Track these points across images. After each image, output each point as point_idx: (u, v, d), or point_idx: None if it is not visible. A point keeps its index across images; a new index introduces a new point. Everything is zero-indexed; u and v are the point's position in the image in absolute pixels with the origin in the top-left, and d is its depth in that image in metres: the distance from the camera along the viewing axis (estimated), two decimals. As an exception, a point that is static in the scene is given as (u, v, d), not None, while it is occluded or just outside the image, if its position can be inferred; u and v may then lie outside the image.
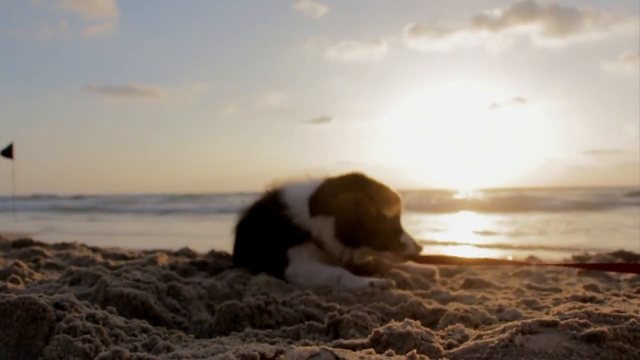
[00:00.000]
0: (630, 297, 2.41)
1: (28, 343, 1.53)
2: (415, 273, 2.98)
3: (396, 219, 3.00)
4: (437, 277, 3.02)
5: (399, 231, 2.98)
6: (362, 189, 2.89)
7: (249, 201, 3.40)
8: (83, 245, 4.48)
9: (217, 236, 9.80)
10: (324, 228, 2.88)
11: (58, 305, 1.66)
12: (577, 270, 3.35)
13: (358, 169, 2.99)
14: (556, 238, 8.53)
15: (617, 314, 1.51)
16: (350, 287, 2.58)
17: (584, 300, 2.24)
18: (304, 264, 2.85)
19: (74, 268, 2.57)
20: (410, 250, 2.96)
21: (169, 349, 1.59)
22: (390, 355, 1.37)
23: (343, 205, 2.85)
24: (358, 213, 2.84)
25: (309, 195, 2.94)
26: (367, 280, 2.64)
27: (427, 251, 3.10)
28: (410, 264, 3.13)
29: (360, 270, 2.93)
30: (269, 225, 3.03)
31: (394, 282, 2.64)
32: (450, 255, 3.10)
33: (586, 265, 2.83)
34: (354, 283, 2.64)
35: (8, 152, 13.98)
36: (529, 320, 1.51)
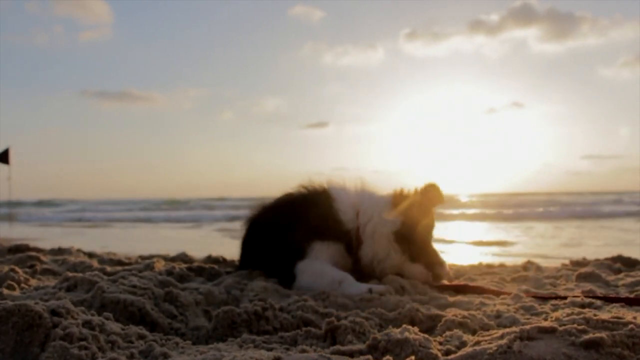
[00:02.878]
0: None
1: (24, 350, 1.52)
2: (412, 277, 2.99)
3: (432, 237, 3.15)
4: (430, 279, 3.02)
5: (437, 252, 3.11)
6: (432, 206, 3.10)
7: (259, 202, 3.40)
8: (79, 251, 4.46)
9: (214, 241, 9.79)
10: (383, 224, 2.98)
11: (54, 312, 1.65)
12: (575, 274, 3.35)
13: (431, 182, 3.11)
14: (554, 243, 8.53)
15: (615, 319, 1.51)
16: (349, 293, 2.57)
17: (582, 305, 2.24)
18: (317, 261, 2.87)
19: (70, 274, 2.55)
20: (443, 271, 3.03)
21: (165, 355, 1.58)
22: (388, 361, 1.37)
23: (418, 210, 3.01)
24: (421, 218, 3.02)
25: (365, 197, 3.09)
26: (365, 286, 2.64)
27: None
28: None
29: (360, 276, 2.93)
30: (309, 211, 3.06)
31: (391, 288, 2.64)
32: (474, 285, 3.04)
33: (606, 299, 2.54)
34: (353, 288, 2.65)
35: (4, 157, 13.94)
36: (527, 326, 1.50)
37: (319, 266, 2.85)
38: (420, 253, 3.02)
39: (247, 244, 3.34)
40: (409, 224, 2.99)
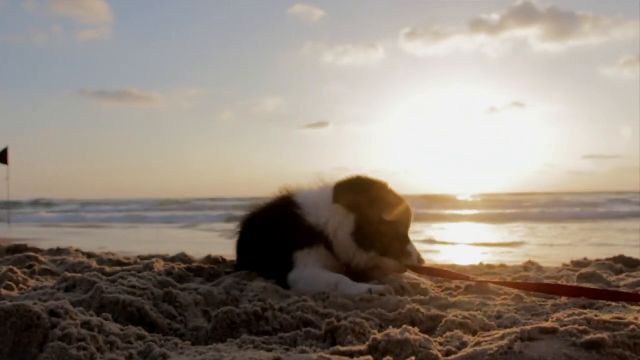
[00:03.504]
0: (630, 303, 2.39)
1: (22, 351, 1.52)
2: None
3: (405, 229, 3.04)
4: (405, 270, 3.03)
5: (406, 240, 3.02)
6: (382, 193, 2.96)
7: (254, 203, 3.41)
8: (78, 251, 4.45)
9: (213, 241, 9.78)
10: (341, 225, 2.91)
11: (52, 312, 1.64)
12: (576, 275, 3.34)
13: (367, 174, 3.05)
14: (555, 243, 8.52)
15: (616, 320, 1.50)
16: (348, 293, 2.56)
17: (584, 306, 2.23)
18: (306, 269, 2.85)
19: (68, 274, 2.55)
20: (413, 261, 2.98)
21: (164, 356, 1.57)
22: (388, 362, 1.36)
23: (366, 203, 2.90)
24: (379, 214, 2.90)
25: (322, 196, 2.99)
26: (365, 287, 2.63)
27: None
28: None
29: (359, 276, 2.93)
30: (279, 225, 3.04)
31: (392, 289, 2.63)
32: (448, 270, 3.09)
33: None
34: (352, 289, 2.63)
35: (2, 157, 13.93)
36: (528, 327, 1.50)
37: (311, 273, 2.83)
38: (386, 247, 2.94)
39: (238, 252, 3.39)
40: (364, 221, 2.90)
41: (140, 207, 30.99)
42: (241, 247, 3.35)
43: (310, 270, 2.84)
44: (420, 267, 3.02)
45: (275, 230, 3.07)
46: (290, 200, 3.07)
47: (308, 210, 2.98)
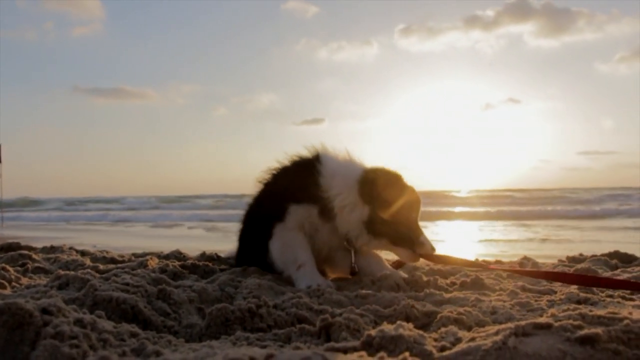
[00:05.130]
0: (624, 298, 2.40)
1: (14, 349, 1.50)
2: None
3: (416, 219, 3.11)
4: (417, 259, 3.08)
5: (419, 230, 3.08)
6: (398, 188, 3.02)
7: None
8: (71, 249, 4.43)
9: (208, 239, 9.77)
10: (353, 211, 2.95)
11: (45, 310, 1.62)
12: (571, 270, 3.34)
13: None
14: (550, 239, 8.54)
15: (611, 315, 1.50)
16: (296, 284, 2.76)
17: (578, 301, 2.23)
18: (291, 231, 2.94)
19: (61, 272, 2.53)
20: (426, 249, 3.03)
21: (157, 353, 1.56)
22: (382, 358, 1.35)
23: (384, 199, 2.95)
24: (394, 209, 2.95)
25: (342, 172, 3.02)
26: (314, 282, 2.71)
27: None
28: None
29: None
30: (292, 176, 3.13)
31: (333, 285, 2.67)
32: (456, 257, 3.14)
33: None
34: (301, 280, 2.78)
35: (-5, 155, 13.86)
36: (523, 322, 1.49)
37: (292, 238, 2.93)
38: (399, 236, 3.01)
39: (241, 225, 3.42)
40: (379, 211, 2.94)
41: (134, 204, 30.91)
42: (247, 211, 3.40)
43: (293, 234, 2.94)
44: (433, 256, 3.07)
45: (288, 178, 3.15)
46: (317, 157, 3.11)
47: (325, 172, 3.01)
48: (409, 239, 3.02)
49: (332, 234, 3.02)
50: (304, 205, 2.97)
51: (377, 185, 2.96)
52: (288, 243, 2.94)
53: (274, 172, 3.25)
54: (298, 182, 3.03)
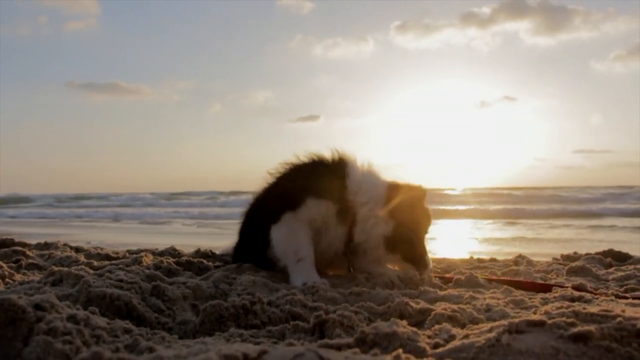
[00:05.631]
0: (618, 296, 2.41)
1: (6, 344, 1.50)
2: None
3: (425, 239, 3.15)
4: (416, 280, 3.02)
5: (424, 250, 3.11)
6: (420, 206, 3.08)
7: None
8: (65, 245, 4.42)
9: (203, 235, 9.76)
10: (376, 225, 2.95)
11: (38, 306, 1.62)
12: (565, 269, 3.35)
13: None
14: (545, 237, 8.56)
15: (604, 313, 1.50)
16: (291, 281, 2.76)
17: (572, 299, 2.24)
18: (299, 223, 2.90)
19: (55, 268, 2.53)
20: (428, 272, 3.05)
21: (151, 350, 1.55)
22: (375, 355, 1.35)
23: (408, 216, 2.98)
24: (414, 227, 3.02)
25: (368, 184, 3.02)
26: (310, 279, 2.70)
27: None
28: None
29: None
30: (321, 170, 3.07)
31: (327, 283, 2.64)
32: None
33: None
34: (297, 276, 2.78)
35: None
36: (516, 320, 1.50)
37: (300, 229, 2.89)
38: (413, 255, 3.03)
39: (243, 220, 3.39)
40: (401, 227, 2.97)
41: (129, 200, 30.83)
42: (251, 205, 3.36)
43: (299, 225, 2.90)
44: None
45: (309, 172, 3.10)
46: (343, 161, 3.09)
47: (352, 177, 3.00)
48: (420, 259, 3.05)
49: (341, 238, 3.00)
50: (323, 201, 2.92)
51: (406, 204, 2.98)
52: (294, 232, 2.88)
53: (292, 166, 3.20)
54: (323, 179, 2.99)
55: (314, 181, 2.99)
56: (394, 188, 3.02)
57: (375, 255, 3.01)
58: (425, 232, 3.11)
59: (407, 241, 2.99)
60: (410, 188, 3.06)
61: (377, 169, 3.15)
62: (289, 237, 2.88)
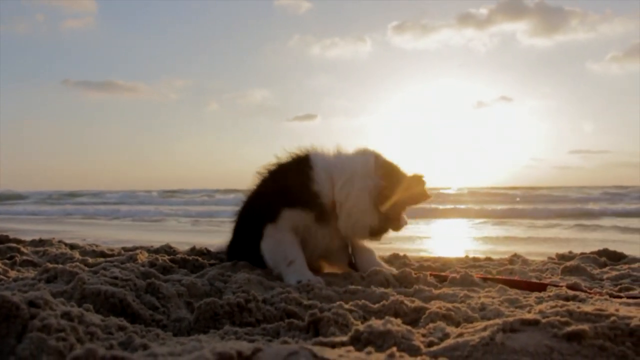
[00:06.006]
0: (612, 295, 2.41)
1: (0, 341, 1.49)
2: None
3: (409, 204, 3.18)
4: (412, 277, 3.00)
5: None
6: (415, 188, 3.09)
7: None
8: (60, 242, 4.41)
9: (198, 233, 9.75)
10: (363, 189, 2.96)
11: (32, 303, 1.61)
12: (560, 268, 3.36)
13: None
14: (541, 237, 8.58)
15: (598, 312, 1.51)
16: (286, 280, 2.76)
17: (567, 298, 2.24)
18: (282, 231, 2.94)
19: (50, 265, 2.52)
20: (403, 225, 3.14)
21: (145, 347, 1.55)
22: (369, 353, 1.35)
23: (396, 179, 3.03)
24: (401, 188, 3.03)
25: (340, 165, 3.04)
26: (304, 278, 2.71)
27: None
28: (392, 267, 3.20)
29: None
30: (285, 179, 3.11)
31: (322, 282, 2.65)
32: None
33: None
34: (288, 276, 2.79)
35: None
36: (510, 319, 1.50)
37: (283, 237, 2.93)
38: (395, 213, 3.06)
39: (236, 220, 3.42)
40: (389, 187, 2.98)
41: (124, 198, 30.77)
42: (239, 211, 3.40)
43: (284, 233, 2.94)
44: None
45: (279, 182, 3.13)
46: (307, 161, 3.09)
47: (319, 177, 3.00)
48: (398, 215, 3.11)
49: (330, 235, 3.04)
50: (297, 210, 2.97)
51: (393, 196, 3.00)
52: (278, 241, 2.94)
53: (270, 168, 3.24)
54: (292, 184, 3.02)
55: (284, 188, 3.03)
56: (382, 180, 3.01)
57: (360, 240, 3.14)
58: (412, 197, 3.10)
59: (390, 222, 3.07)
60: (412, 180, 3.08)
61: (346, 149, 3.17)
62: (275, 248, 2.94)
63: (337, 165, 3.03)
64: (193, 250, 3.82)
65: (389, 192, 2.97)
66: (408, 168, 3.15)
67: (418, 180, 3.08)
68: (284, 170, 3.17)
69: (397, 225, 3.11)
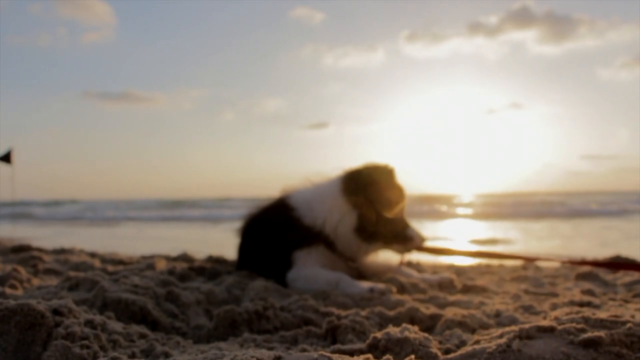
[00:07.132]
0: (626, 301, 2.41)
1: (26, 349, 1.53)
2: (432, 283, 2.97)
3: (402, 213, 3.09)
4: (456, 284, 2.98)
5: (405, 224, 3.08)
6: (383, 185, 2.99)
7: (255, 205, 3.42)
8: (81, 251, 4.47)
9: (215, 241, 9.79)
10: (342, 222, 2.94)
11: (56, 311, 1.65)
12: (573, 274, 3.36)
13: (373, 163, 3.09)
14: (553, 243, 8.53)
15: (613, 318, 1.51)
16: (349, 292, 2.60)
17: (581, 304, 2.25)
18: (305, 268, 2.88)
19: (72, 273, 2.56)
20: (416, 243, 3.05)
21: (166, 355, 1.59)
22: (387, 360, 1.37)
23: (369, 198, 2.93)
24: (381, 208, 2.93)
25: (317, 196, 3.03)
26: (366, 285, 2.65)
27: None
28: (426, 274, 3.18)
29: (360, 275, 2.96)
30: (276, 227, 3.08)
31: (394, 288, 2.65)
32: (454, 248, 3.23)
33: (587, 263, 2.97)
34: (353, 288, 2.67)
35: (6, 158, 13.91)
36: (526, 325, 1.51)
37: (310, 271, 2.87)
38: (391, 234, 3.00)
39: (239, 253, 3.39)
40: (367, 216, 2.92)
41: (142, 207, 30.94)
42: (241, 249, 3.37)
43: (309, 269, 2.87)
44: (425, 248, 3.15)
45: (272, 232, 3.10)
46: (284, 202, 3.10)
47: (303, 211, 3.00)
48: (401, 235, 3.03)
49: (340, 263, 3.00)
50: (307, 249, 2.95)
51: (368, 185, 2.94)
52: (310, 278, 2.83)
53: (261, 220, 3.27)
54: (287, 233, 3.00)
55: (284, 239, 3.00)
56: (349, 177, 3.01)
57: (361, 255, 3.03)
58: (400, 207, 3.03)
59: (377, 224, 2.94)
60: (373, 169, 3.02)
61: (319, 179, 3.18)
62: (312, 284, 2.79)
63: (314, 200, 3.03)
64: (210, 258, 3.85)
65: (363, 211, 2.93)
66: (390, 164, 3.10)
67: (382, 171, 3.03)
68: (270, 220, 3.18)
69: (403, 237, 3.04)
